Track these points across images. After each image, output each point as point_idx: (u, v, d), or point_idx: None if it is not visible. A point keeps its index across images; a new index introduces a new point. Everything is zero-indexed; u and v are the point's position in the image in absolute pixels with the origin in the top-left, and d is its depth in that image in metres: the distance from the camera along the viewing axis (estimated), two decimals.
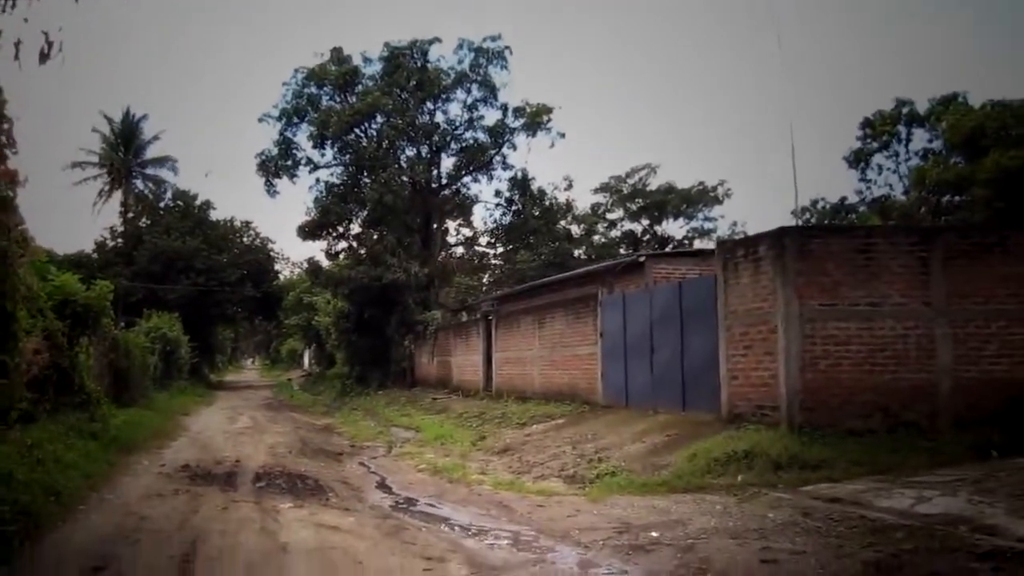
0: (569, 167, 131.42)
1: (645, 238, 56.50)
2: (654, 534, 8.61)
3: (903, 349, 12.73)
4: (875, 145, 39.33)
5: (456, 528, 9.60)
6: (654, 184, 55.92)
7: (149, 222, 53.13)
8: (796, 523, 8.72)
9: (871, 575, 6.88)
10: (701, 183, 55.26)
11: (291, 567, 7.43)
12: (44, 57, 5.61)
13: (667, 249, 46.35)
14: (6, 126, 7.99)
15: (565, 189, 53.87)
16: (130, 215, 55.39)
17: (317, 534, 8.81)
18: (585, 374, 19.87)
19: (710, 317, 14.57)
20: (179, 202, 54.60)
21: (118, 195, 58.36)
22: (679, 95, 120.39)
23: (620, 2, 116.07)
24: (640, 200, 56.38)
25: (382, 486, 13.07)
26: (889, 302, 12.76)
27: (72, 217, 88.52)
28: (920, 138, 39.14)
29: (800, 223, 33.86)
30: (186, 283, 47.59)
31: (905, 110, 38.51)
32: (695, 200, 55.57)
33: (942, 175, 32.48)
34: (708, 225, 55.45)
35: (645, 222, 57.30)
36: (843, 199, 43.77)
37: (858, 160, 40.24)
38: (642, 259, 19.46)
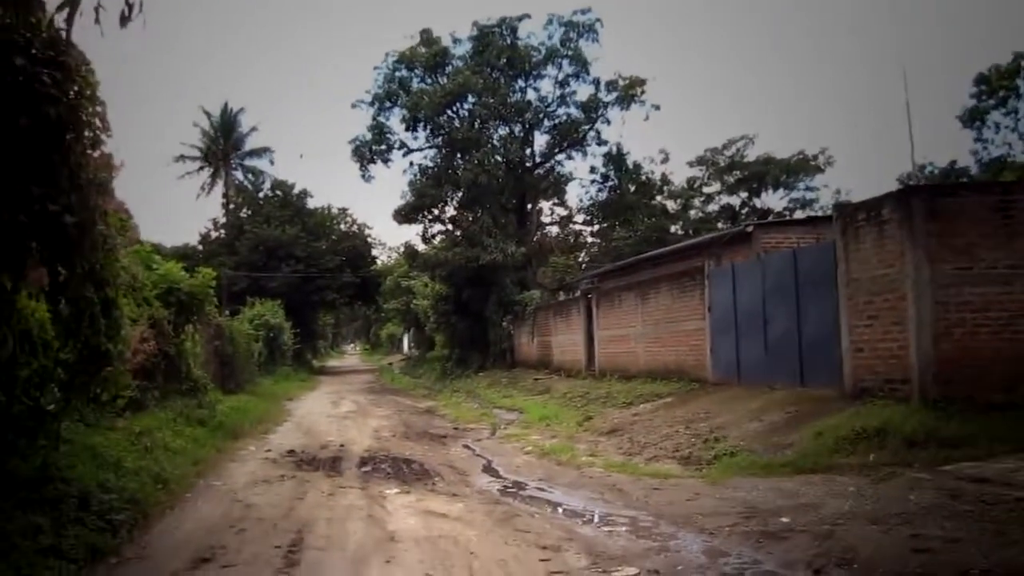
0: (664, 141, 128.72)
1: (744, 211, 54.80)
2: (785, 519, 7.97)
3: None
4: (991, 102, 37.01)
5: (569, 514, 9.13)
6: (752, 155, 54.21)
7: (250, 212, 54.20)
8: (943, 506, 7.95)
9: None
10: (801, 152, 53.26)
11: (401, 559, 7.05)
12: (124, 20, 5.33)
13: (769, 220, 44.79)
14: (99, 108, 7.78)
15: (661, 163, 52.83)
16: (231, 206, 56.69)
17: (425, 522, 8.47)
18: (693, 350, 19.11)
19: (829, 286, 13.67)
20: (277, 192, 55.55)
21: (219, 187, 59.95)
22: (775, 61, 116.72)
23: None
24: (738, 172, 54.74)
25: (489, 469, 12.69)
26: None
27: (177, 212, 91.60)
28: None
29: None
30: (287, 270, 48.38)
31: (1012, 62, 36.05)
32: (795, 170, 53.57)
33: None
34: (809, 195, 53.47)
35: (743, 195, 55.63)
36: (953, 162, 41.46)
37: (973, 119, 37.94)
38: (750, 229, 18.56)
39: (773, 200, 54.42)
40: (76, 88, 7.12)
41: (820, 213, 31.52)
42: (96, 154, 7.99)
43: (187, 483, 10.54)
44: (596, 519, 8.70)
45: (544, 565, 6.79)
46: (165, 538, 7.90)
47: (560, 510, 9.39)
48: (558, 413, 19.28)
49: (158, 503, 8.97)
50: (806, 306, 14.64)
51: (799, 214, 47.77)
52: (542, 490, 10.76)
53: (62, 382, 8.15)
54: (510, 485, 11.25)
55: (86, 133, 7.64)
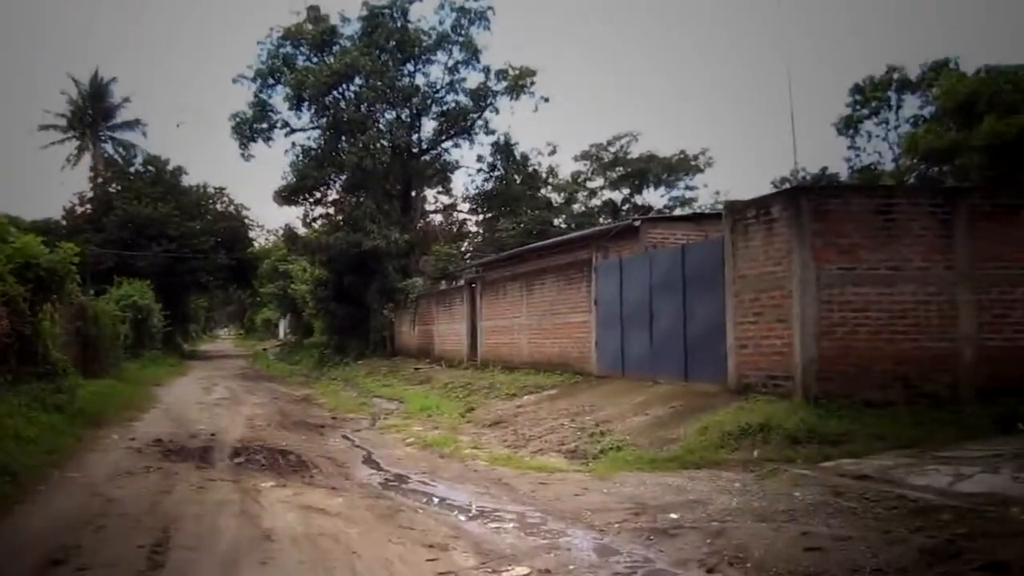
0: (552, 133, 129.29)
1: (625, 207, 55.57)
2: (674, 516, 7.85)
3: (924, 316, 11.99)
4: (865, 112, 38.59)
5: (455, 509, 8.79)
6: (635, 152, 55.00)
7: (119, 187, 51.54)
8: (828, 504, 7.97)
9: (930, 564, 6.12)
10: (682, 151, 54.38)
11: (277, 559, 6.54)
12: None
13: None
14: None
15: (549, 154, 52.95)
16: (99, 180, 53.82)
17: (304, 518, 7.96)
18: (578, 343, 19.06)
19: (716, 282, 13.76)
20: (150, 167, 53.01)
21: (87, 160, 56.90)
22: (662, 61, 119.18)
23: None
24: (621, 168, 55.42)
25: (369, 461, 12.23)
26: (910, 266, 11.99)
27: (40, 184, 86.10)
28: (911, 105, 38.49)
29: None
30: (158, 250, 46.21)
31: (896, 76, 37.76)
32: (676, 168, 54.67)
33: (934, 142, 31.72)
34: (689, 194, 54.63)
35: (625, 191, 56.42)
36: (824, 168, 42.94)
37: (848, 127, 39.49)
38: (637, 223, 18.62)
39: (654, 197, 55.39)
40: None
41: (705, 211, 32.13)
42: None
43: (40, 475, 9.63)
44: (483, 515, 8.38)
45: (431, 565, 6.43)
46: (11, 536, 7.12)
47: (445, 506, 9.03)
48: (440, 403, 18.91)
49: (5, 497, 8.12)
50: (693, 302, 14.73)
51: (679, 211, 48.74)
52: (426, 484, 10.39)
53: None
54: (392, 478, 10.83)
55: None
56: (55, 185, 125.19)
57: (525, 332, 22.20)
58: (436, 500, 9.35)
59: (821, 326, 11.80)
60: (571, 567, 6.40)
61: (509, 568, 6.33)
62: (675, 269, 15.24)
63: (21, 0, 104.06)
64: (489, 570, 6.33)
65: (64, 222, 48.52)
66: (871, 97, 38.03)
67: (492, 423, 15.23)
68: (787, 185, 35.91)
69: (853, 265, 11.90)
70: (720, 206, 40.67)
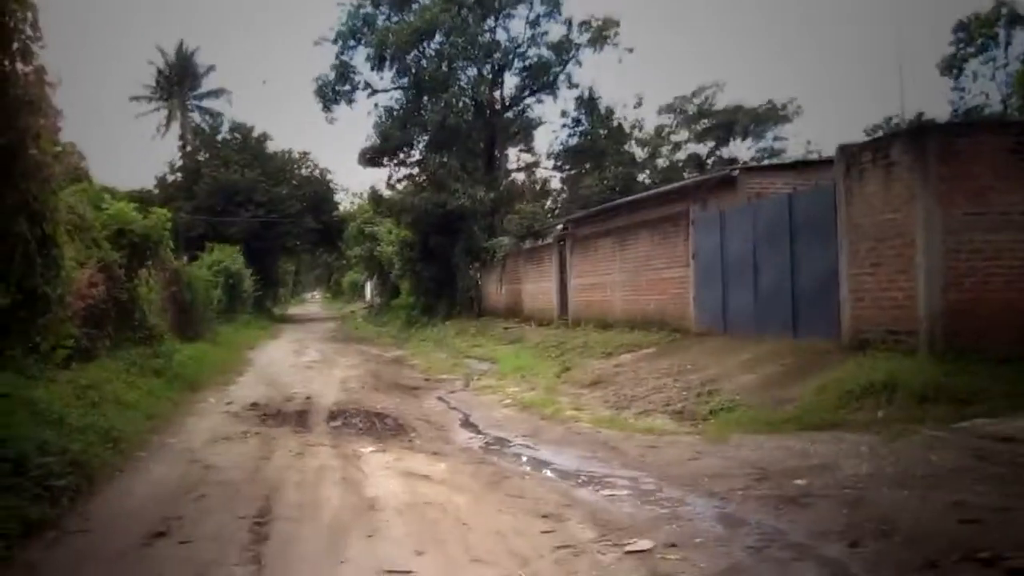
0: (635, 85, 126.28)
1: (710, 160, 54.01)
2: (800, 482, 7.29)
3: None
4: (971, 50, 36.27)
5: (563, 475, 8.39)
6: (721, 103, 53.25)
7: (208, 155, 52.40)
8: (972, 469, 7.30)
9: None
10: (770, 101, 52.39)
11: (384, 531, 6.21)
12: None
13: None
14: (29, 14, 6.69)
15: (635, 107, 51.67)
16: (188, 149, 54.79)
17: (407, 485, 7.64)
18: (674, 299, 18.36)
19: (828, 232, 12.91)
20: (236, 134, 53.67)
21: (175, 129, 57.97)
22: (748, 5, 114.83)
23: None
24: (706, 120, 53.81)
25: (468, 424, 11.93)
26: None
27: (134, 154, 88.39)
28: (1021, 40, 35.97)
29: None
30: (246, 216, 46.87)
31: (1004, 10, 35.30)
32: (764, 119, 52.77)
33: None
34: (778, 145, 52.64)
35: (711, 144, 54.80)
36: (920, 114, 40.64)
37: (951, 67, 37.20)
38: (735, 173, 17.69)
39: (741, 150, 53.59)
40: None
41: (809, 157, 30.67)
42: (27, 68, 6.92)
43: (140, 441, 9.56)
44: (593, 482, 7.96)
45: (547, 539, 6.01)
46: (113, 507, 6.97)
47: (552, 471, 8.64)
48: (533, 364, 18.50)
49: (106, 465, 7.98)
50: (801, 253, 13.89)
51: (769, 162, 47.04)
52: (529, 447, 10.03)
53: None
54: (493, 442, 10.50)
55: (14, 43, 6.58)
56: (148, 154, 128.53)
57: (618, 289, 21.58)
58: (542, 465, 8.97)
59: (948, 276, 10.91)
60: (697, 540, 5.92)
61: (631, 540, 5.88)
62: (781, 219, 14.39)
63: None
64: (610, 543, 5.90)
65: (157, 191, 49.56)
66: (978, 34, 35.70)
67: (591, 383, 14.75)
68: (880, 132, 34.16)
69: (983, 210, 10.94)
70: (813, 155, 39.25)
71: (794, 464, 8.01)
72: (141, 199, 35.68)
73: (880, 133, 39.10)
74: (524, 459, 9.38)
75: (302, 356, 23.85)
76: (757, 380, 12.05)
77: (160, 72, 58.64)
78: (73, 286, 10.14)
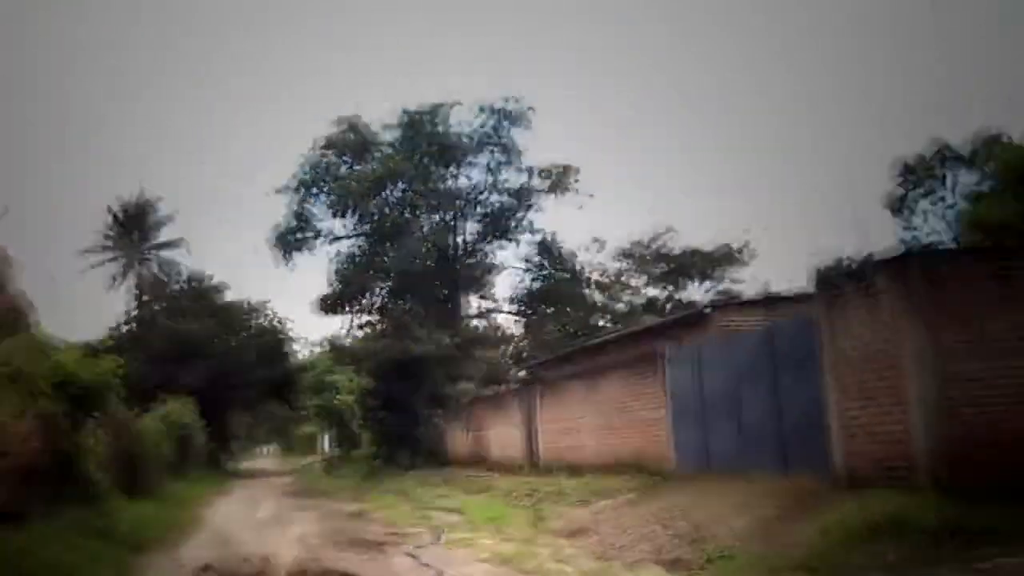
0: (594, 230, 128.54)
1: (668, 305, 54.34)
2: None
3: None
4: (921, 191, 37.29)
5: None
6: (676, 247, 54.07)
7: (163, 305, 51.50)
8: None
9: None
10: (726, 245, 53.33)
11: None
12: None
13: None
14: None
15: (597, 251, 52.23)
16: (144, 299, 53.90)
17: None
18: (651, 440, 17.67)
19: (812, 364, 12.47)
20: (192, 283, 52.99)
21: (131, 278, 57.18)
22: (701, 153, 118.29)
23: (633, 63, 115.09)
24: (664, 264, 54.44)
25: None
26: None
27: (86, 308, 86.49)
28: (961, 180, 37.03)
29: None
30: (200, 367, 45.64)
31: (946, 153, 36.51)
32: (719, 262, 53.59)
33: (997, 215, 30.30)
34: (735, 288, 53.33)
35: (670, 287, 55.23)
36: (870, 255, 41.33)
37: (899, 208, 38.09)
38: (708, 310, 17.47)
39: (698, 293, 54.08)
40: None
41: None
42: None
43: None
44: None
45: None
46: None
47: None
48: (505, 513, 17.45)
49: None
50: (785, 387, 13.42)
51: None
52: None
53: None
54: None
55: None
56: (101, 307, 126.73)
57: (590, 432, 20.86)
58: None
59: (945, 407, 10.44)
60: None
61: None
62: (763, 352, 13.98)
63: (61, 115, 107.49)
64: None
65: (111, 341, 48.28)
66: (924, 175, 36.78)
67: (571, 533, 13.79)
68: (840, 268, 34.52)
69: (976, 336, 10.60)
70: (768, 294, 39.40)
71: None
72: (96, 350, 34.65)
73: (841, 268, 39.70)
74: None
75: (258, 512, 22.51)
76: (752, 523, 11.27)
77: (116, 221, 58.28)
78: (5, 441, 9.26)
